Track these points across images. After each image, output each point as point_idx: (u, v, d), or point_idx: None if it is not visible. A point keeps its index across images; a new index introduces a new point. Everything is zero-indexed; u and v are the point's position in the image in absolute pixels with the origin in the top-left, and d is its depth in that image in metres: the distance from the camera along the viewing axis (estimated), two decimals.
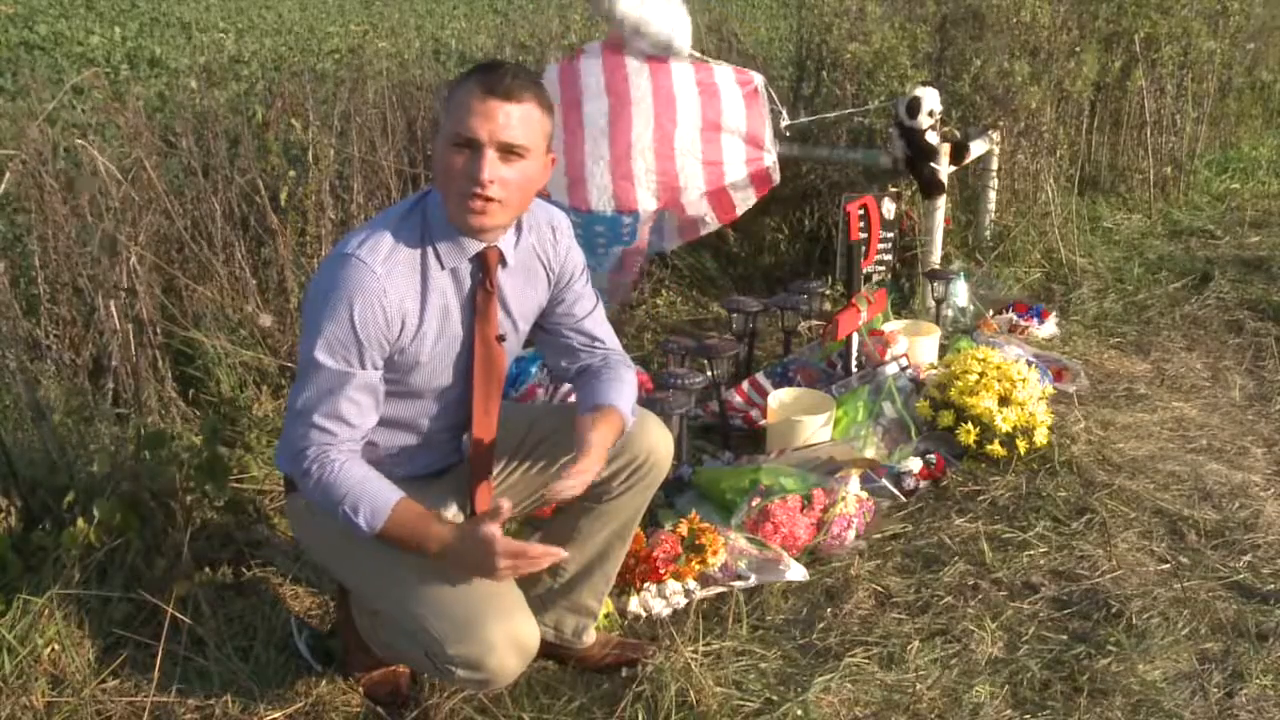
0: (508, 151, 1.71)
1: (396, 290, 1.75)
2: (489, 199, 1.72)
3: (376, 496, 1.74)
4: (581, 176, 3.34)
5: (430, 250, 1.80)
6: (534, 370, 3.17)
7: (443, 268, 1.81)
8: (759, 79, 3.58)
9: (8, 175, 2.70)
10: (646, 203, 3.41)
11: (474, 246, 1.81)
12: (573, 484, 1.74)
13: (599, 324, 2.05)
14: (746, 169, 3.53)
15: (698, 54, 3.61)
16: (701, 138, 3.43)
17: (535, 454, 2.03)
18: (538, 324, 2.03)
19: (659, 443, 2.01)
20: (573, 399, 2.17)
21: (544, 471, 2.03)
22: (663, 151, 3.39)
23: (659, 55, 3.43)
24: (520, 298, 1.93)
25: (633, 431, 1.97)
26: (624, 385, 1.96)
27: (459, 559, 1.71)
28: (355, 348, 1.74)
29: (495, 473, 1.99)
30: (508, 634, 1.72)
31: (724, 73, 3.55)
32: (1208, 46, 5.82)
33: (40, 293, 2.91)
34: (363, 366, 1.76)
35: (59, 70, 7.36)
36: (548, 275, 1.96)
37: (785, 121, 3.78)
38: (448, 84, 1.63)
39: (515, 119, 1.70)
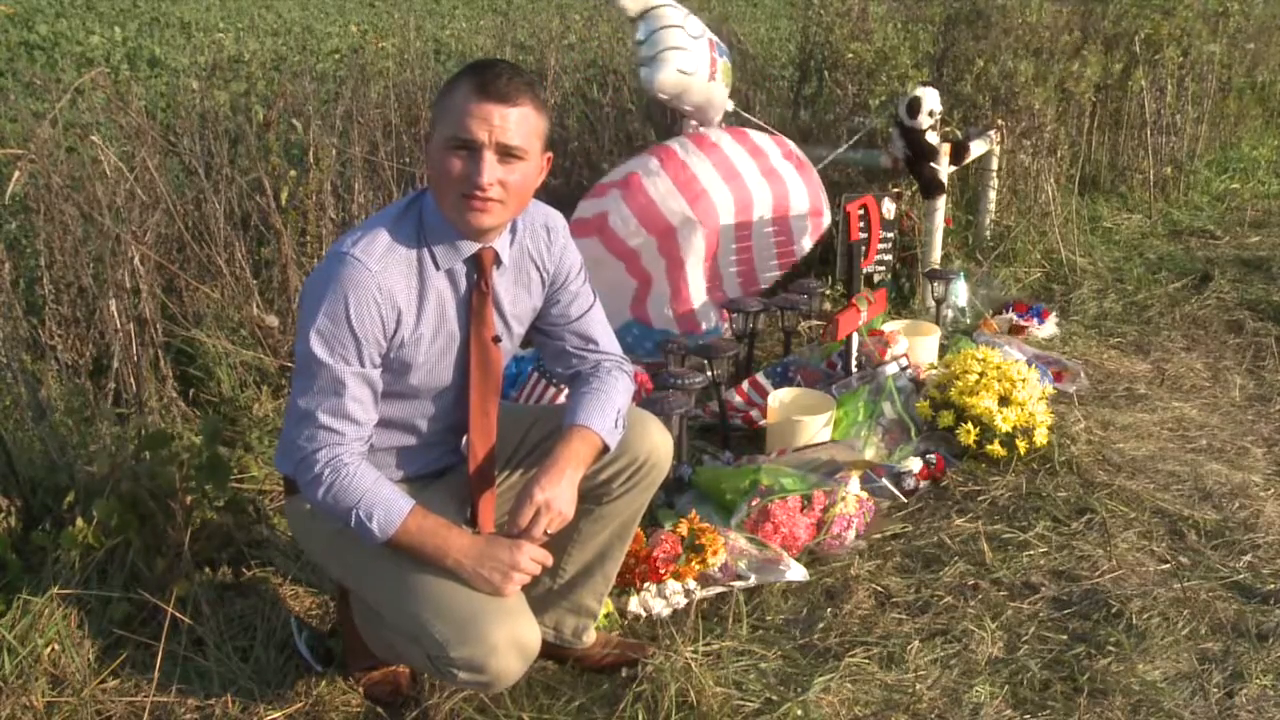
0: (506, 154, 1.71)
1: (392, 287, 1.75)
2: (489, 199, 1.72)
3: (390, 503, 1.75)
4: (691, 309, 3.57)
5: (426, 251, 1.80)
6: (530, 367, 3.17)
7: (438, 268, 1.81)
8: (794, 146, 3.81)
9: (16, 175, 2.70)
10: (732, 294, 3.69)
11: (470, 247, 1.81)
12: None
13: (595, 325, 2.03)
14: (811, 239, 3.80)
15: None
16: (773, 229, 3.71)
17: (532, 459, 2.03)
18: (534, 326, 2.02)
19: (659, 444, 2.01)
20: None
21: None
22: (743, 254, 3.67)
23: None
24: (514, 299, 1.93)
25: (633, 432, 1.96)
26: (610, 395, 1.93)
27: (474, 571, 1.73)
28: (353, 344, 1.74)
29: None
30: (510, 636, 1.72)
31: (772, 150, 3.74)
32: (1209, 49, 5.82)
33: (46, 293, 2.91)
34: (361, 364, 1.75)
35: (59, 70, 7.37)
36: (542, 277, 1.96)
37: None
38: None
39: (513, 121, 1.70)
